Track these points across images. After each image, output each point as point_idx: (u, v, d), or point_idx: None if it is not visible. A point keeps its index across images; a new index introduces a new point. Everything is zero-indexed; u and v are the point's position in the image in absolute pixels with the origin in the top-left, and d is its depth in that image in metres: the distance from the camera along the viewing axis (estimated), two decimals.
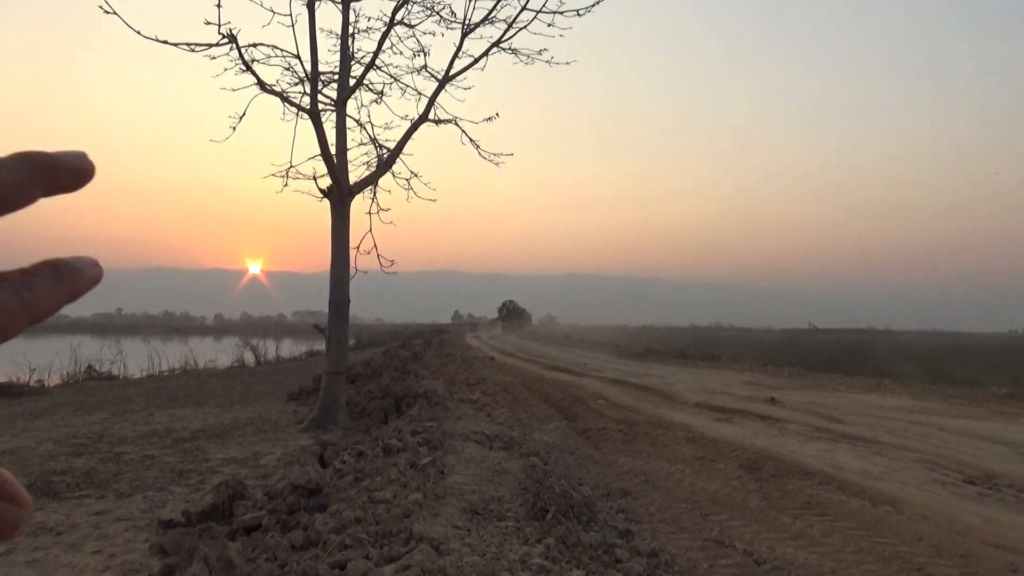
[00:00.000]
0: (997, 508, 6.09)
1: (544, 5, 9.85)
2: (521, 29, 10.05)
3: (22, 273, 0.40)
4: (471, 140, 10.56)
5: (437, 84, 10.24)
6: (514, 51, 10.31)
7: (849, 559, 4.81)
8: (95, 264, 0.43)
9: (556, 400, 13.25)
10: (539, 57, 10.49)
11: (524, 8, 9.91)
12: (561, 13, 10.04)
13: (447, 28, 10.34)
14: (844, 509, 5.91)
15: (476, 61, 10.18)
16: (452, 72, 10.17)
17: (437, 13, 10.24)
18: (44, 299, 0.40)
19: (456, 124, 10.56)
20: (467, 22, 10.05)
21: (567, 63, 11.01)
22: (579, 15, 10.21)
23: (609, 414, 11.35)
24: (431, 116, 10.26)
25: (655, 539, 5.10)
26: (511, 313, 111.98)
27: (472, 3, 9.93)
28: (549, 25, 10.09)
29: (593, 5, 10.15)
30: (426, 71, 10.77)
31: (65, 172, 0.42)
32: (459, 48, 10.05)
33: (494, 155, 10.81)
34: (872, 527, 5.44)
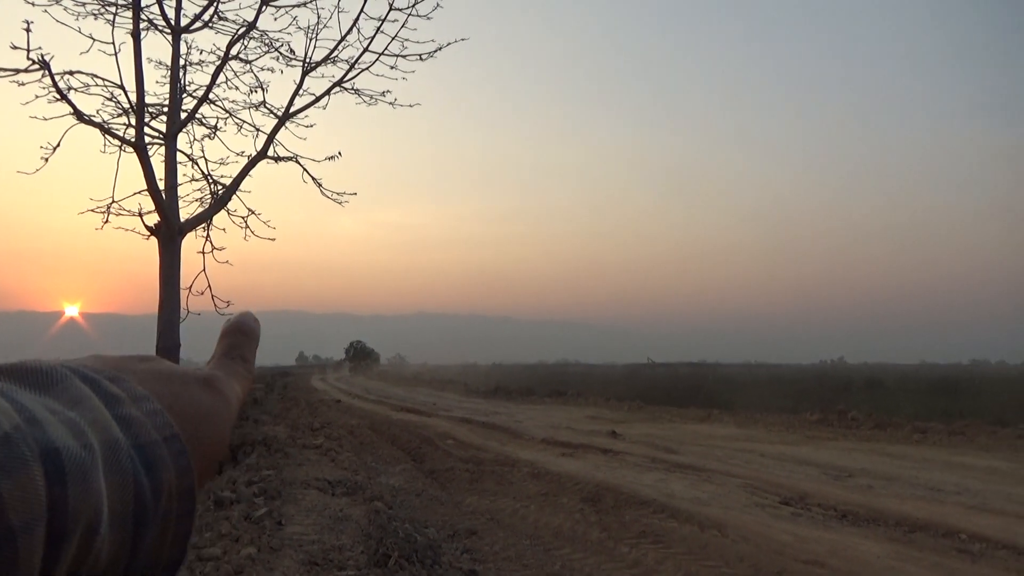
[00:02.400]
0: (808, 526, 6.66)
1: (386, 48, 9.94)
2: (364, 70, 10.06)
3: (231, 347, 0.51)
4: (313, 178, 10.36)
5: (276, 121, 10.00)
6: (357, 91, 10.29)
7: None
8: (255, 319, 0.54)
9: (404, 442, 13.06)
10: (382, 99, 10.53)
11: (366, 50, 9.94)
12: (404, 57, 10.16)
13: (287, 65, 10.16)
14: (676, 535, 6.23)
15: (317, 99, 10.06)
16: (292, 109, 9.98)
17: (276, 50, 10.05)
18: (252, 362, 0.51)
19: (297, 162, 10.33)
20: (308, 60, 9.94)
21: (411, 105, 11.12)
22: (421, 59, 10.38)
23: (457, 454, 11.33)
24: (270, 153, 9.98)
25: None
26: (359, 353, 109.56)
27: (312, 42, 9.84)
28: (392, 68, 10.18)
29: (435, 51, 10.35)
30: (264, 107, 10.50)
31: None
32: (299, 86, 9.90)
33: (337, 194, 10.65)
34: (700, 551, 5.77)
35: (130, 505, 0.36)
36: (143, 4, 8.66)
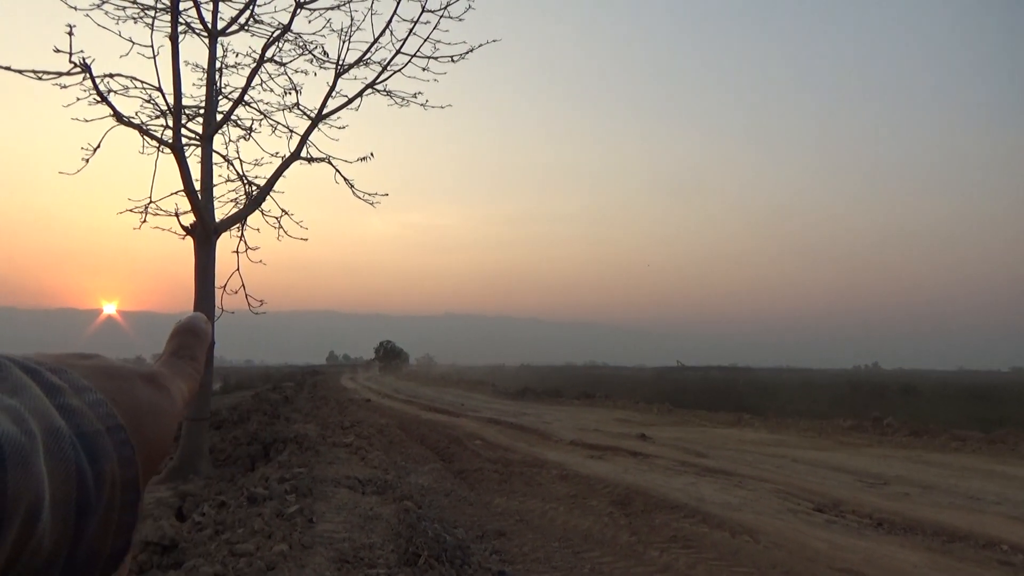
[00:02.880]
0: (842, 534, 6.54)
1: (418, 50, 9.99)
2: (395, 72, 10.12)
3: (180, 347, 0.51)
4: (345, 179, 10.44)
5: (310, 122, 10.10)
6: (389, 93, 10.36)
7: None
8: (206, 320, 0.54)
9: (432, 442, 13.11)
10: (414, 100, 10.58)
11: (398, 52, 10.00)
12: (435, 59, 10.21)
13: (320, 67, 10.26)
14: (707, 541, 6.16)
15: (350, 101, 10.14)
16: (325, 111, 10.07)
17: (310, 52, 10.16)
18: (202, 361, 0.51)
19: (330, 163, 10.43)
20: (341, 63, 10.02)
21: (442, 107, 11.16)
22: (453, 61, 10.42)
23: (485, 454, 11.33)
24: (303, 154, 10.08)
25: None
26: (388, 353, 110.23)
27: (346, 44, 9.92)
28: (424, 70, 10.23)
29: (467, 53, 10.37)
30: (298, 109, 10.61)
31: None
32: (332, 87, 9.98)
33: (369, 195, 10.73)
34: (732, 557, 5.70)
35: (72, 493, 0.36)
36: (181, 8, 8.82)
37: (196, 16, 9.46)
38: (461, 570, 4.84)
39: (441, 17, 9.89)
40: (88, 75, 7.50)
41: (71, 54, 7.25)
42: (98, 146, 9.05)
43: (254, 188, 10.62)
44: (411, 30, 10.12)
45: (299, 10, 9.64)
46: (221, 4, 9.80)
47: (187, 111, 9.89)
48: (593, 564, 5.58)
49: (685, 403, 25.78)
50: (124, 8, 9.14)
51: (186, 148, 9.00)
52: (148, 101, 9.75)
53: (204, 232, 9.22)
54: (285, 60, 10.18)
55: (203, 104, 9.91)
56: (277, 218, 10.79)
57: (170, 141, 8.81)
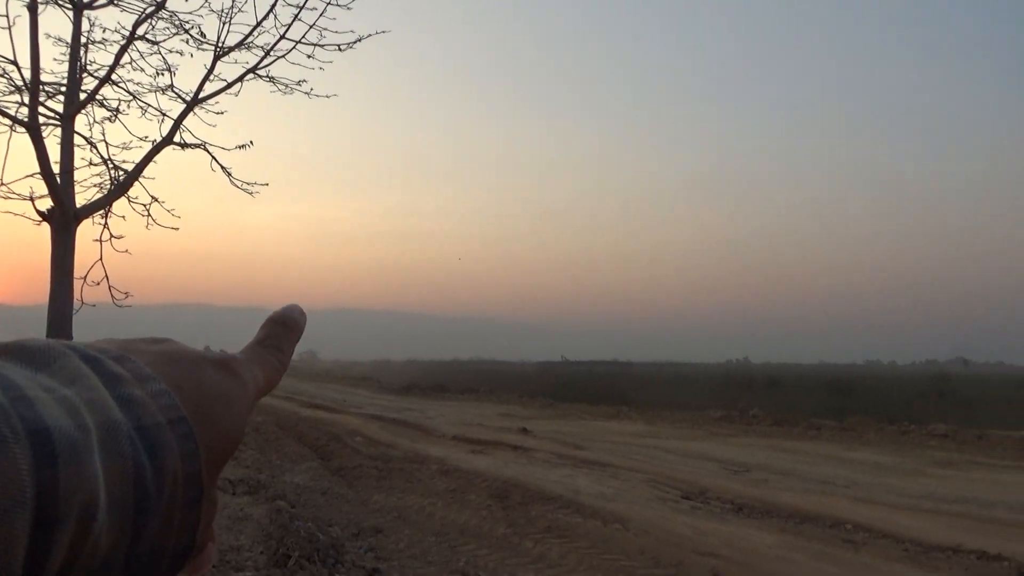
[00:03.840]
0: (706, 519, 6.91)
1: (304, 36, 9.71)
2: (279, 58, 9.79)
3: (267, 336, 0.49)
4: (222, 167, 10.01)
5: (184, 106, 9.60)
6: (272, 79, 10.00)
7: None
8: (301, 312, 0.52)
9: (311, 439, 12.80)
10: (298, 88, 10.27)
11: (283, 37, 9.67)
12: (322, 46, 9.95)
13: (197, 49, 9.78)
14: (580, 530, 6.35)
15: (229, 86, 9.70)
16: (202, 95, 9.60)
17: (186, 32, 9.66)
18: (289, 353, 0.50)
19: (205, 149, 9.96)
20: (220, 45, 9.58)
21: (327, 96, 10.89)
22: (340, 50, 10.18)
23: (366, 451, 11.19)
24: (177, 139, 9.59)
25: (402, 575, 5.10)
26: None
27: (226, 26, 9.49)
28: (309, 57, 9.95)
29: (354, 42, 10.17)
30: (172, 91, 10.07)
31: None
32: (210, 71, 9.53)
33: (248, 184, 10.33)
34: (603, 545, 5.90)
35: (130, 490, 0.34)
36: None
37: None
38: (334, 569, 4.77)
39: (328, 4, 9.66)
40: None
41: None
42: None
43: (121, 173, 9.99)
44: (296, 15, 9.79)
45: None
46: None
47: (46, 88, 9.15)
48: (469, 557, 5.63)
49: (567, 397, 26.37)
50: None
51: (44, 128, 8.34)
52: (1, 75, 8.98)
53: (63, 218, 8.59)
54: (159, 39, 9.61)
55: (65, 81, 9.23)
56: (146, 205, 10.21)
57: (25, 120, 8.15)
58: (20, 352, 0.35)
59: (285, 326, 0.51)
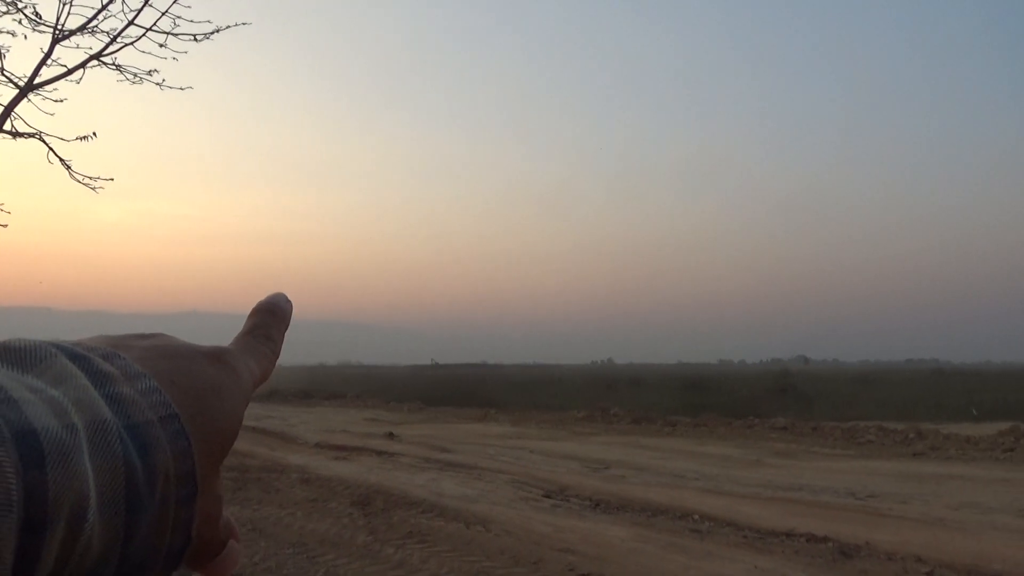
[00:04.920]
0: (565, 516, 7.11)
1: (155, 23, 9.15)
2: (128, 45, 9.18)
3: (256, 326, 0.46)
4: (60, 159, 9.25)
5: (17, 91, 8.80)
6: (119, 67, 9.36)
7: None
8: (287, 300, 0.49)
9: None
10: (148, 78, 9.66)
11: (131, 23, 9.08)
12: (175, 35, 9.42)
13: (33, 30, 8.99)
14: (442, 533, 6.35)
15: (70, 72, 8.97)
16: (38, 80, 8.84)
17: (19, 11, 8.86)
18: (279, 342, 0.47)
19: (42, 140, 9.17)
20: (59, 27, 8.86)
21: (182, 88, 10.32)
22: (196, 40, 9.67)
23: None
24: (7, 127, 8.76)
25: None
26: None
27: (66, 7, 8.79)
28: (162, 46, 9.39)
29: (211, 33, 9.69)
30: (3, 75, 9.20)
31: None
32: (48, 55, 8.79)
33: (90, 178, 9.60)
34: (465, 547, 5.93)
35: (121, 490, 0.34)
36: None
37: None
38: None
39: None
40: None
41: None
42: None
43: None
44: (147, 0, 9.24)
45: None
46: None
47: None
48: (328, 567, 5.49)
49: (436, 401, 26.32)
50: None
51: None
52: None
53: None
54: None
55: None
56: None
57: None
58: (5, 353, 0.35)
59: (273, 314, 0.49)
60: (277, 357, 0.49)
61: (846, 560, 5.50)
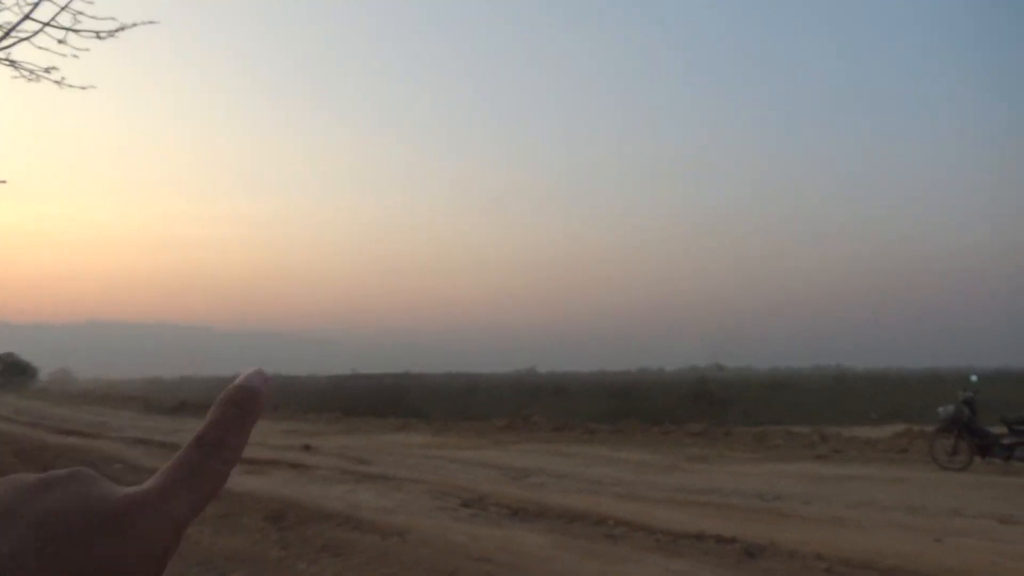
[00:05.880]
0: (483, 525, 7.11)
1: (54, 19, 8.73)
2: (23, 40, 8.72)
3: (213, 426, 0.38)
4: None
5: None
6: (13, 63, 8.88)
7: None
8: (264, 378, 0.40)
9: (58, 469, 11.41)
10: (46, 76, 9.20)
11: (27, 17, 8.63)
12: (76, 31, 9.02)
13: None
14: (358, 546, 6.25)
15: None
16: None
17: None
18: (237, 448, 0.39)
19: None
20: None
21: (83, 87, 9.88)
22: (99, 38, 9.28)
23: (126, 479, 10.16)
24: None
25: None
26: (8, 368, 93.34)
27: None
28: (60, 42, 8.96)
29: (116, 31, 9.32)
30: None
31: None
32: None
33: None
34: (380, 559, 5.86)
35: None
36: None
37: None
38: None
39: None
40: None
41: None
42: None
43: None
44: None
45: None
46: None
47: None
48: None
49: (356, 411, 25.87)
50: None
51: None
52: None
53: None
54: None
55: None
56: None
57: None
58: None
59: (240, 409, 0.43)
60: (233, 465, 0.43)
61: (751, 560, 5.71)
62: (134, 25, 10.00)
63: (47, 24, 9.04)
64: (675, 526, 6.86)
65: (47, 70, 9.59)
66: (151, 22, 10.36)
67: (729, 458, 12.52)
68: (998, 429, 10.65)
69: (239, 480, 9.92)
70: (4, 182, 9.85)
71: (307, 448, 13.72)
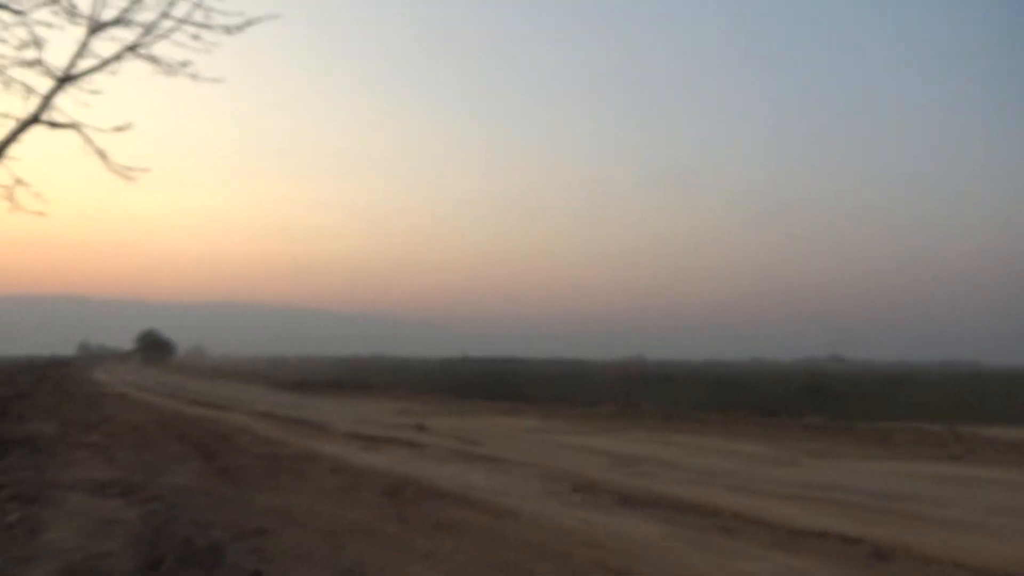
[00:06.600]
0: (594, 512, 7.07)
1: (188, 16, 9.26)
2: (162, 36, 9.31)
3: None
4: (97, 150, 9.42)
5: (55, 83, 8.98)
6: (153, 59, 9.49)
7: (471, 572, 5.17)
8: None
9: (195, 438, 12.25)
10: (183, 70, 9.80)
11: (165, 15, 9.20)
12: (208, 27, 9.52)
13: (69, 22, 9.15)
14: (471, 525, 6.36)
15: (106, 63, 9.14)
16: (75, 72, 9.01)
17: (56, 2, 9.02)
18: None
19: (78, 130, 9.35)
20: (95, 19, 9.01)
21: (214, 80, 10.44)
22: (228, 32, 9.78)
23: (254, 450, 10.82)
24: (45, 118, 8.95)
25: None
26: (151, 344, 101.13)
27: None
28: (195, 38, 9.50)
29: (243, 25, 9.78)
30: (40, 66, 9.39)
31: None
32: (84, 46, 8.95)
33: (126, 169, 9.77)
34: (494, 540, 5.93)
35: None
36: None
37: None
38: (212, 572, 4.57)
39: None
40: None
41: None
42: None
43: None
44: None
45: None
46: None
47: None
48: (357, 555, 5.52)
49: (465, 394, 26.45)
50: None
51: None
52: None
53: None
54: (24, 8, 8.94)
55: None
56: (8, 188, 9.48)
57: None
58: None
59: None
60: None
61: (882, 562, 5.39)
62: (259, 20, 10.46)
63: (182, 21, 9.60)
64: (795, 522, 6.59)
65: (183, 64, 10.19)
66: (275, 16, 10.82)
67: (851, 455, 11.91)
68: None
69: (359, 455, 10.33)
70: (147, 170, 10.58)
71: (420, 428, 14.10)
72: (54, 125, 9.13)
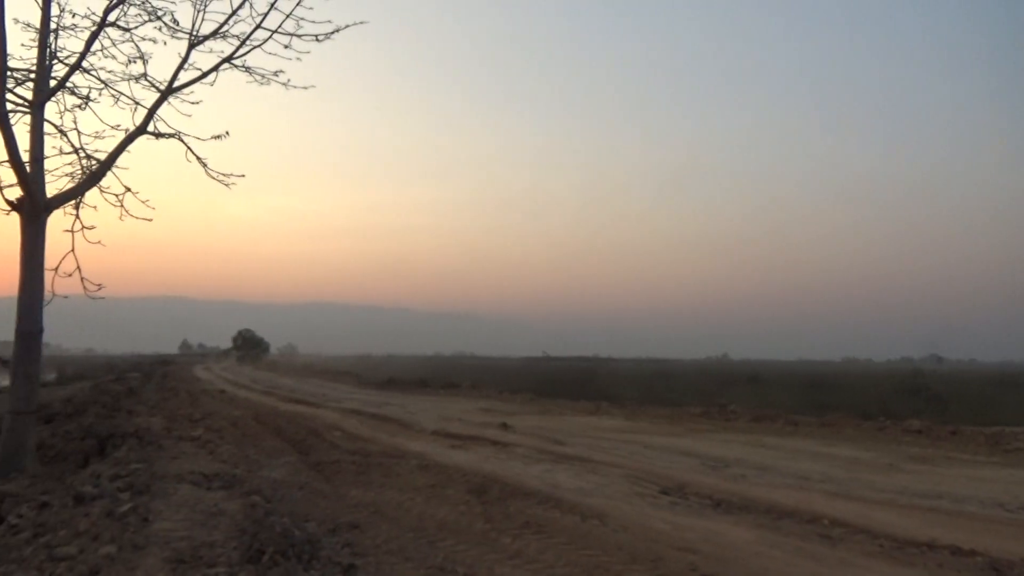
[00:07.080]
0: (684, 515, 6.91)
1: (280, 26, 9.57)
2: (255, 48, 9.65)
3: None
4: (197, 157, 9.85)
5: (159, 95, 9.44)
6: (248, 69, 9.86)
7: (560, 573, 5.14)
8: None
9: (289, 434, 12.68)
10: (275, 78, 10.13)
11: (259, 27, 9.53)
12: (299, 36, 9.81)
13: (171, 37, 9.60)
14: (558, 525, 6.32)
15: (204, 75, 9.56)
16: (176, 84, 9.45)
17: (159, 19, 9.49)
18: None
19: (180, 139, 9.81)
20: (194, 33, 9.42)
21: (305, 87, 10.77)
22: (318, 40, 10.06)
23: (344, 446, 11.10)
24: (150, 128, 9.42)
25: (379, 571, 5.03)
26: (247, 343, 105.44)
27: (200, 14, 9.34)
28: (286, 47, 9.81)
29: (332, 32, 10.04)
30: (145, 80, 9.89)
31: None
32: (185, 59, 9.38)
33: (224, 175, 10.19)
34: (581, 540, 5.87)
35: None
36: None
37: None
38: (309, 565, 4.69)
39: None
40: None
41: None
42: None
43: (93, 162, 9.81)
44: (272, 4, 9.67)
45: None
46: None
47: (15, 75, 8.98)
48: (447, 552, 5.58)
49: (548, 393, 26.38)
50: None
51: (12, 115, 8.16)
52: None
53: (33, 208, 8.43)
54: (131, 25, 9.43)
55: (34, 68, 9.03)
56: (119, 196, 10.04)
57: None
58: None
59: None
60: None
61: None
62: (347, 26, 10.70)
63: (275, 31, 9.91)
64: (900, 531, 6.26)
65: (275, 73, 10.53)
66: (362, 22, 11.04)
67: (957, 460, 11.25)
68: None
69: (445, 453, 10.45)
70: (243, 176, 10.99)
71: (504, 427, 14.15)
72: (158, 135, 9.62)
